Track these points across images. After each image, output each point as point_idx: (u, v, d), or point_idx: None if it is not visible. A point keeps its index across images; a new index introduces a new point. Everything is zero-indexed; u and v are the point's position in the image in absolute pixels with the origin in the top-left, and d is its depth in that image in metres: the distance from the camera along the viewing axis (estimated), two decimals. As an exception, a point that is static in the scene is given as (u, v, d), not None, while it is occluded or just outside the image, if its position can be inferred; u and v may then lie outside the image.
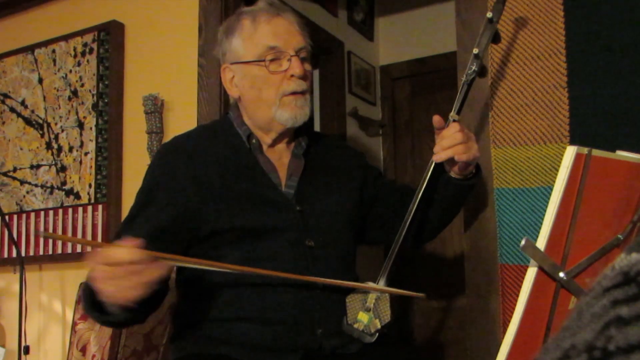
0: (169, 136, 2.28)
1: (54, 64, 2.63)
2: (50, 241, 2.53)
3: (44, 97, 2.64)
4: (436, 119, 1.36)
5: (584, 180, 0.91)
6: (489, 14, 1.36)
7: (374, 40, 3.76)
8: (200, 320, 1.34)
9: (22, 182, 2.66)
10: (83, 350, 1.90)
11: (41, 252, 2.56)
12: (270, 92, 1.38)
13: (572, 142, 1.57)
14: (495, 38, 1.40)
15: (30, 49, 2.71)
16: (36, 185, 2.62)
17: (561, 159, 0.90)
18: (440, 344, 3.45)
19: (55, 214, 2.54)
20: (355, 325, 1.31)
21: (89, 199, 2.46)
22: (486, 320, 1.69)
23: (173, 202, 1.33)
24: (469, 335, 1.74)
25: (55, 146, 2.58)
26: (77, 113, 2.54)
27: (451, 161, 1.36)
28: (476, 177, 1.44)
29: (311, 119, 3.40)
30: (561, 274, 0.92)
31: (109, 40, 2.48)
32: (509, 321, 0.91)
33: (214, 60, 2.10)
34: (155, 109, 2.30)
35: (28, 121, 2.68)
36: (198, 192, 1.33)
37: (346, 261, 1.43)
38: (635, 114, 1.53)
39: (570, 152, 0.90)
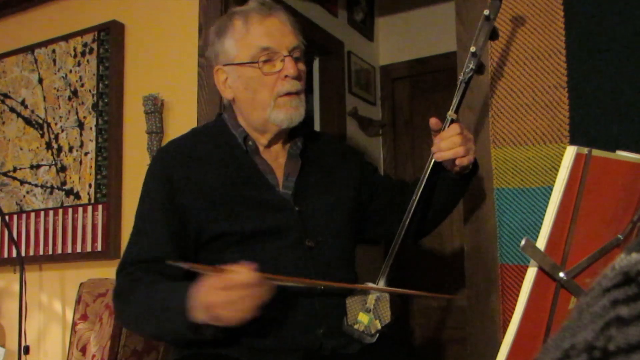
0: (169, 136, 2.28)
1: (54, 64, 2.63)
2: (50, 241, 2.54)
3: (44, 97, 2.64)
4: (433, 122, 1.35)
5: (584, 180, 0.91)
6: (486, 12, 1.35)
7: (374, 40, 3.76)
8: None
9: (22, 182, 2.66)
10: (83, 350, 1.90)
11: (41, 252, 2.56)
12: (265, 93, 1.37)
13: (572, 142, 1.57)
14: (493, 35, 1.39)
15: (30, 49, 2.71)
16: (36, 185, 2.62)
17: (561, 159, 0.90)
18: (440, 344, 3.45)
19: (55, 214, 2.54)
20: (356, 326, 1.31)
21: (89, 199, 2.46)
22: (486, 320, 1.69)
23: (175, 207, 1.33)
24: (469, 335, 1.74)
25: (55, 146, 2.58)
26: (77, 113, 2.54)
27: (450, 159, 1.35)
28: (473, 172, 1.44)
29: (311, 118, 3.41)
30: (561, 274, 0.92)
31: (109, 40, 2.48)
32: (509, 321, 0.91)
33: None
34: (155, 109, 2.30)
35: (28, 121, 2.68)
36: (196, 197, 1.33)
37: (346, 260, 1.43)
38: (635, 114, 1.53)
39: (570, 152, 0.90)
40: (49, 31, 2.67)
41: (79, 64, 2.56)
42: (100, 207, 2.42)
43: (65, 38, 2.60)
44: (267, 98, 1.37)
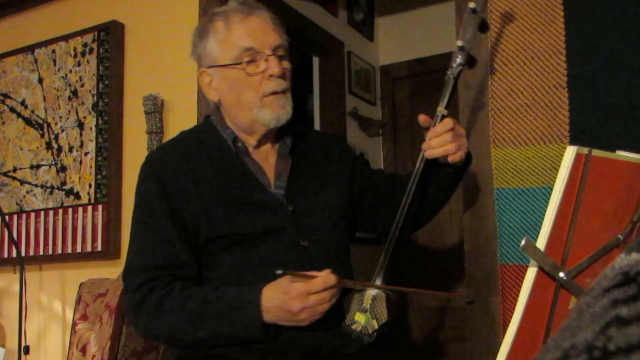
0: (169, 136, 2.28)
1: (54, 64, 2.63)
2: (50, 241, 2.54)
3: (44, 97, 2.64)
4: (422, 119, 1.34)
5: (584, 180, 0.91)
6: (472, 4, 1.35)
7: (374, 40, 3.76)
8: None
9: (22, 182, 2.66)
10: (83, 350, 1.90)
11: (41, 252, 2.56)
12: (250, 94, 1.36)
13: (572, 142, 1.57)
14: (482, 27, 1.38)
15: (30, 49, 2.71)
16: (36, 185, 2.62)
17: (561, 159, 0.90)
18: (440, 343, 3.45)
19: (55, 214, 2.54)
20: (353, 327, 1.30)
21: (89, 199, 2.46)
22: (486, 320, 1.69)
23: (172, 210, 1.33)
24: (469, 335, 1.74)
25: (55, 146, 2.58)
26: (77, 113, 2.54)
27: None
28: (467, 165, 1.44)
29: (311, 118, 3.41)
30: (561, 274, 0.92)
31: (109, 40, 2.48)
32: (509, 321, 0.91)
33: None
34: (155, 109, 2.30)
35: (28, 121, 2.68)
36: (189, 201, 1.33)
37: (341, 257, 1.43)
38: (635, 114, 1.53)
39: (570, 152, 0.90)
40: (49, 31, 2.67)
41: (79, 64, 2.56)
42: (100, 207, 2.42)
43: (65, 38, 2.60)
44: (252, 99, 1.36)
